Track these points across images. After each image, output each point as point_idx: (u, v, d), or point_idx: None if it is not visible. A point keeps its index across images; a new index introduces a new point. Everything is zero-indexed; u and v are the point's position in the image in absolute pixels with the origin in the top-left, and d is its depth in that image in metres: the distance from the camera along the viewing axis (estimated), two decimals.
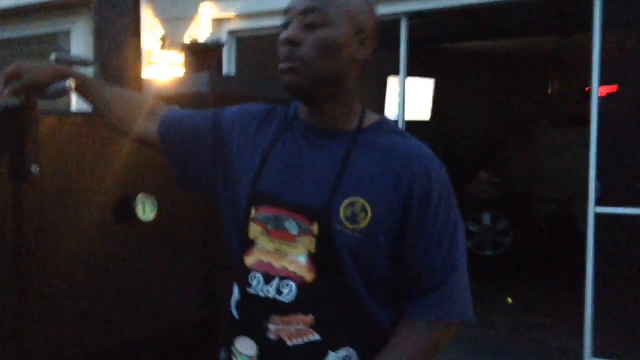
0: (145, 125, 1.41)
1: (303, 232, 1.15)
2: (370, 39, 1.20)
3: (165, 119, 1.40)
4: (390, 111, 7.57)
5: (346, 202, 1.14)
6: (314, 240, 1.14)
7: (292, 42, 1.16)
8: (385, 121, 1.26)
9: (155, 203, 1.95)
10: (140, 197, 1.92)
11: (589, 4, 3.63)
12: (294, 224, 1.16)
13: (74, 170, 1.81)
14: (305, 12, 1.16)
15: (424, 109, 8.45)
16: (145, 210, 1.94)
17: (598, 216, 3.57)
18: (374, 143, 1.20)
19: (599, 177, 3.58)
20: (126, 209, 1.93)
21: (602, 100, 3.63)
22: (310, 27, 1.15)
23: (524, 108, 8.93)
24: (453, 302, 1.17)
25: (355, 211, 1.14)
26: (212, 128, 1.34)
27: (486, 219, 6.27)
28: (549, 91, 8.43)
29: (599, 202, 3.57)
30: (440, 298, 1.16)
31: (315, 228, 1.14)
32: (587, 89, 3.99)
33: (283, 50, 1.17)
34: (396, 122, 4.25)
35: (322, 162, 1.19)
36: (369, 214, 1.14)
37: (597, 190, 3.57)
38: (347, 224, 1.14)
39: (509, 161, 8.11)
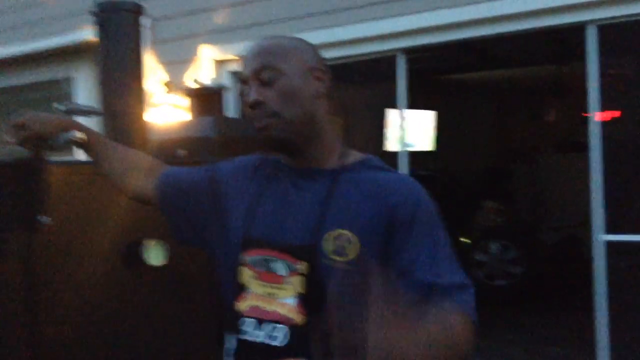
0: (143, 183, 1.46)
1: (292, 272, 1.17)
2: (323, 71, 1.26)
3: (163, 176, 1.45)
4: (392, 143, 7.61)
5: (331, 235, 1.16)
6: (302, 279, 1.16)
7: (257, 103, 1.22)
8: (369, 158, 1.29)
9: (165, 248, 1.96)
10: (149, 243, 1.93)
11: (583, 33, 3.68)
12: (282, 265, 1.18)
13: (84, 217, 1.83)
14: (257, 71, 1.22)
15: (427, 140, 8.49)
16: (155, 255, 1.95)
17: (608, 244, 3.55)
18: (355, 178, 1.23)
19: (606, 204, 3.57)
20: (135, 255, 1.94)
21: (605, 125, 3.65)
22: (267, 84, 1.22)
23: (527, 136, 8.96)
24: (461, 299, 1.13)
25: (342, 243, 1.16)
26: (209, 181, 1.39)
27: (494, 248, 6.23)
28: (551, 119, 8.47)
29: (606, 229, 3.55)
30: (447, 294, 1.12)
31: (303, 266, 1.16)
32: (584, 115, 4.01)
33: (252, 114, 1.23)
34: (394, 153, 4.27)
35: (306, 201, 1.22)
36: (356, 244, 1.15)
37: (605, 218, 3.56)
38: (334, 257, 1.15)
39: (514, 189, 8.11)
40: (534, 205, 7.99)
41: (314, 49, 1.29)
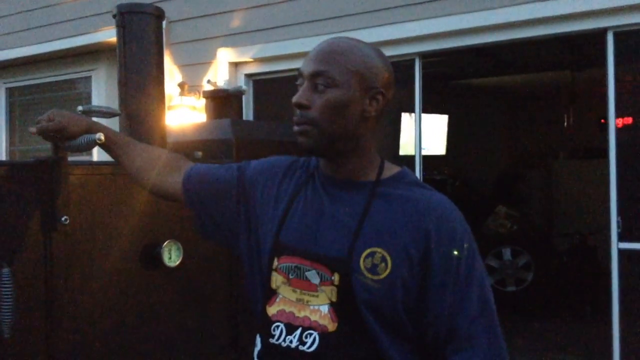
0: (169, 179, 1.45)
1: (324, 281, 1.17)
2: (382, 92, 1.22)
3: (190, 172, 1.44)
4: (406, 147, 7.61)
5: (366, 252, 1.16)
6: (335, 289, 1.16)
7: (301, 106, 1.20)
8: (404, 172, 1.27)
9: (181, 249, 1.98)
10: (166, 244, 1.95)
11: (602, 40, 3.67)
12: (315, 273, 1.18)
13: (102, 218, 1.85)
14: (313, 75, 1.20)
15: (440, 144, 8.48)
16: (171, 256, 1.97)
17: (621, 252, 3.53)
18: (393, 194, 1.21)
19: (619, 212, 3.56)
20: (152, 255, 1.96)
21: (620, 132, 3.64)
22: (318, 90, 1.19)
23: (541, 141, 8.92)
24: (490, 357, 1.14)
25: (375, 261, 1.15)
26: (237, 180, 1.38)
27: (507, 254, 6.21)
28: (565, 124, 8.44)
29: (621, 237, 3.54)
30: (477, 355, 1.14)
31: (336, 278, 1.16)
32: (602, 121, 3.99)
33: (295, 113, 1.22)
34: (416, 162, 4.27)
35: (342, 212, 1.21)
36: (389, 264, 1.14)
37: (618, 226, 3.54)
38: (367, 274, 1.15)
39: (527, 195, 8.08)
40: (547, 211, 7.95)
41: (384, 65, 1.23)
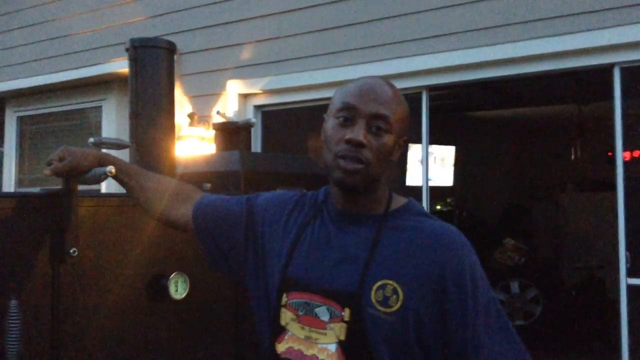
0: (180, 210, 1.46)
1: (334, 318, 1.16)
2: (405, 141, 1.28)
3: (200, 204, 1.45)
4: (413, 177, 7.61)
5: (377, 284, 1.15)
6: (344, 326, 1.15)
7: (361, 145, 1.18)
8: (412, 204, 1.28)
9: (188, 281, 1.98)
10: (173, 276, 1.95)
11: (609, 74, 3.69)
12: (325, 310, 1.17)
13: (109, 250, 1.85)
14: (375, 117, 1.19)
15: (447, 175, 8.48)
16: (178, 288, 1.96)
17: (630, 287, 3.50)
18: (401, 225, 1.21)
19: (628, 246, 3.53)
20: (159, 287, 1.95)
21: (626, 165, 3.63)
22: (373, 131, 1.19)
23: (548, 174, 8.91)
24: None
25: (386, 294, 1.14)
26: (246, 213, 1.38)
27: (514, 287, 6.15)
28: (572, 157, 8.43)
29: (630, 272, 3.50)
30: None
31: (346, 313, 1.15)
32: (609, 154, 3.98)
33: (344, 148, 1.19)
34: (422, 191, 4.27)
35: (351, 246, 1.21)
36: (400, 296, 1.13)
37: (627, 260, 3.51)
38: (378, 307, 1.13)
39: (534, 227, 8.03)
40: (555, 244, 7.89)
41: (410, 118, 1.30)
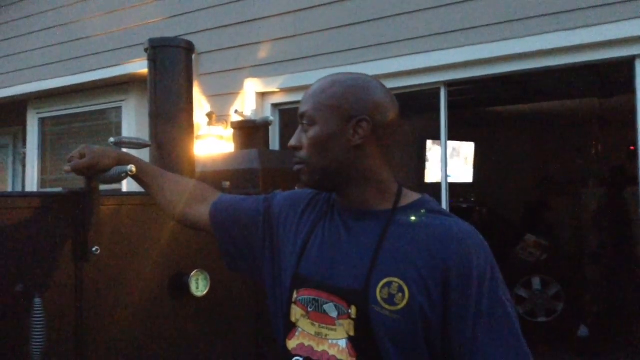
0: (198, 210, 1.48)
1: (342, 315, 1.16)
2: (366, 119, 1.21)
3: (218, 203, 1.47)
4: (433, 174, 7.59)
5: (382, 282, 1.14)
6: (352, 323, 1.14)
7: (292, 148, 1.28)
8: (425, 200, 1.26)
9: (208, 279, 1.99)
10: (193, 274, 1.97)
11: (630, 67, 3.64)
12: (332, 306, 1.17)
13: (131, 248, 1.87)
14: (300, 117, 1.28)
15: (467, 172, 8.44)
16: (199, 286, 1.98)
17: None
18: (410, 222, 1.19)
19: None
20: (180, 285, 1.97)
21: None
22: (305, 130, 1.26)
23: (569, 168, 8.81)
24: None
25: (392, 292, 1.13)
26: (263, 212, 1.40)
27: (536, 283, 6.10)
28: (593, 151, 8.33)
29: None
30: None
31: (353, 311, 1.14)
32: (631, 148, 3.93)
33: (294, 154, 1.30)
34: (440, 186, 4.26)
35: (358, 243, 1.20)
36: (406, 294, 1.12)
37: None
38: (384, 305, 1.12)
39: (556, 223, 7.95)
40: (577, 239, 7.81)
41: (370, 94, 1.23)
